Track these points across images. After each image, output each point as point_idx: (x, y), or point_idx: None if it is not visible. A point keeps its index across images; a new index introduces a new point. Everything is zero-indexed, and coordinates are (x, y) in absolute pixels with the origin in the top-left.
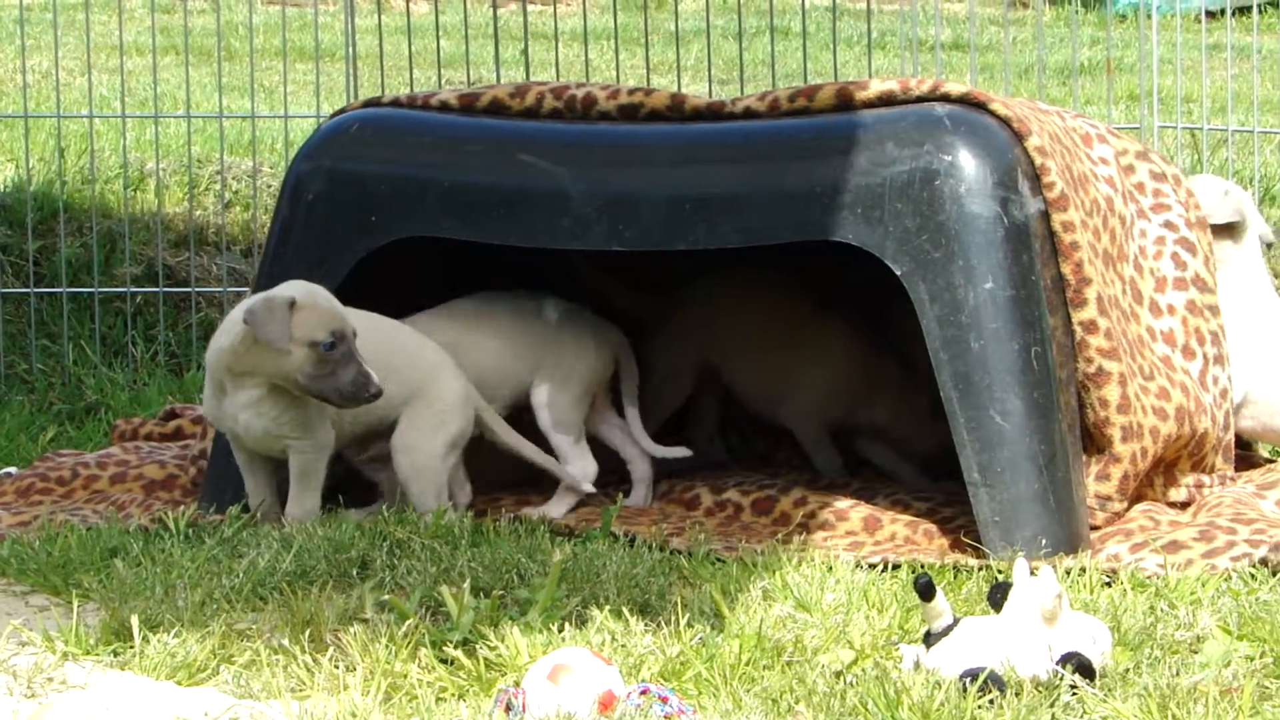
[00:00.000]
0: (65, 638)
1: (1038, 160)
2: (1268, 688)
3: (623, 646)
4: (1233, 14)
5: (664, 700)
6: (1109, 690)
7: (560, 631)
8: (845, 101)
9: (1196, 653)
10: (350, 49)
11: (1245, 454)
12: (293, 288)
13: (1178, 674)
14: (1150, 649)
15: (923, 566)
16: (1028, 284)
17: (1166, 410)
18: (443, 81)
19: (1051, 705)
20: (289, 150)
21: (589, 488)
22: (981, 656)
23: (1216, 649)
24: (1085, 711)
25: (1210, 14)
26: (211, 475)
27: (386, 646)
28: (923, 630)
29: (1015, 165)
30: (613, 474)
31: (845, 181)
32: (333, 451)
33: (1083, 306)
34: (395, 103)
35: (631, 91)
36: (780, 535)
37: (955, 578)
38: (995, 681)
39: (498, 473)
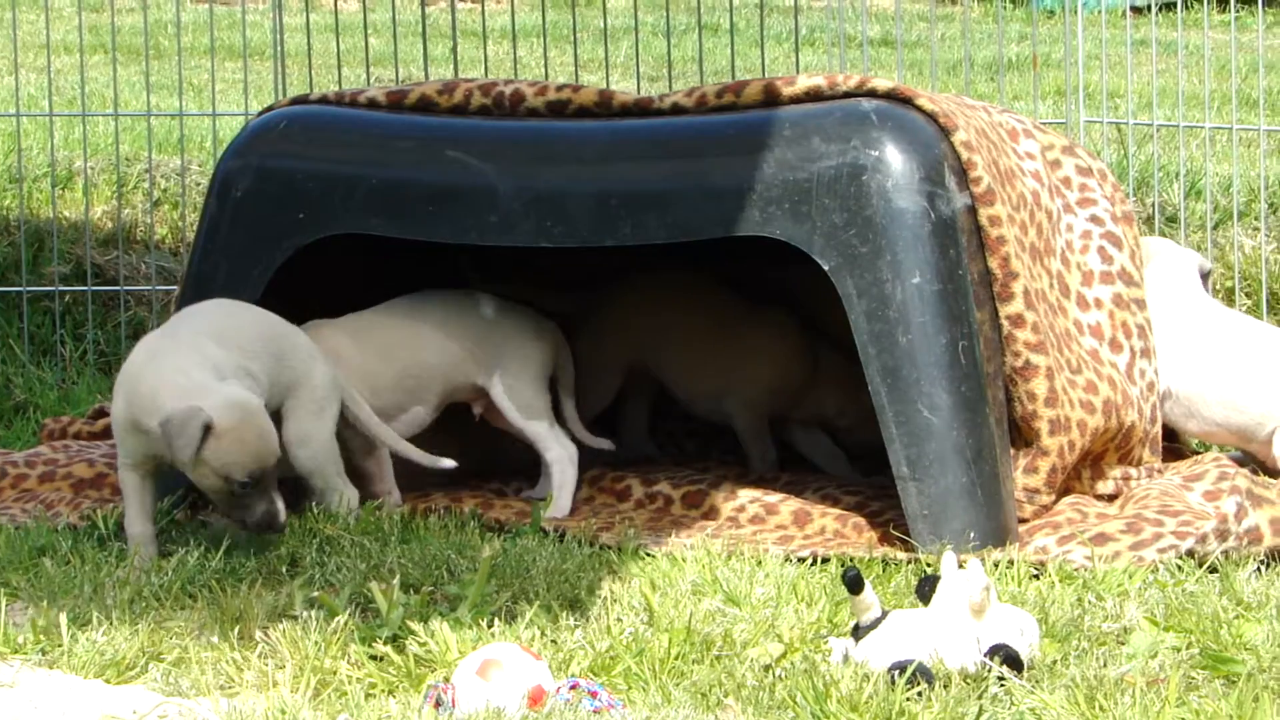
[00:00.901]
0: None
1: (964, 155)
2: (1194, 678)
3: (552, 641)
4: (1158, 9)
5: (593, 695)
6: (1036, 682)
7: (490, 627)
8: (772, 97)
9: (1124, 644)
10: (279, 47)
11: (1172, 446)
12: (225, 409)
13: (1105, 665)
14: (1078, 640)
15: (852, 560)
16: (955, 278)
17: (1094, 403)
18: (371, 79)
19: (979, 697)
20: (217, 148)
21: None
22: (910, 649)
23: (1143, 640)
24: (1013, 703)
25: (1136, 9)
26: None
27: (316, 643)
28: (851, 623)
29: (942, 160)
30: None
31: (772, 177)
32: None
33: (1010, 300)
34: (323, 100)
35: (559, 88)
36: (710, 530)
37: (884, 571)
38: (923, 674)
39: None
